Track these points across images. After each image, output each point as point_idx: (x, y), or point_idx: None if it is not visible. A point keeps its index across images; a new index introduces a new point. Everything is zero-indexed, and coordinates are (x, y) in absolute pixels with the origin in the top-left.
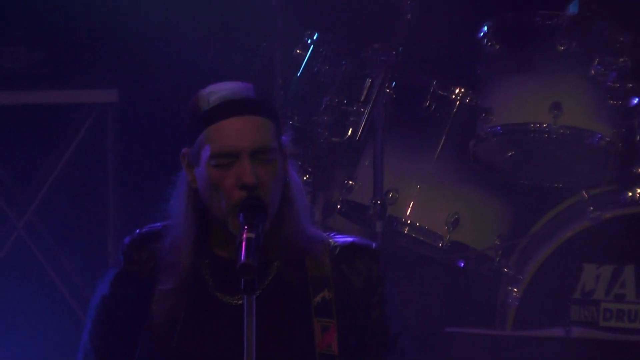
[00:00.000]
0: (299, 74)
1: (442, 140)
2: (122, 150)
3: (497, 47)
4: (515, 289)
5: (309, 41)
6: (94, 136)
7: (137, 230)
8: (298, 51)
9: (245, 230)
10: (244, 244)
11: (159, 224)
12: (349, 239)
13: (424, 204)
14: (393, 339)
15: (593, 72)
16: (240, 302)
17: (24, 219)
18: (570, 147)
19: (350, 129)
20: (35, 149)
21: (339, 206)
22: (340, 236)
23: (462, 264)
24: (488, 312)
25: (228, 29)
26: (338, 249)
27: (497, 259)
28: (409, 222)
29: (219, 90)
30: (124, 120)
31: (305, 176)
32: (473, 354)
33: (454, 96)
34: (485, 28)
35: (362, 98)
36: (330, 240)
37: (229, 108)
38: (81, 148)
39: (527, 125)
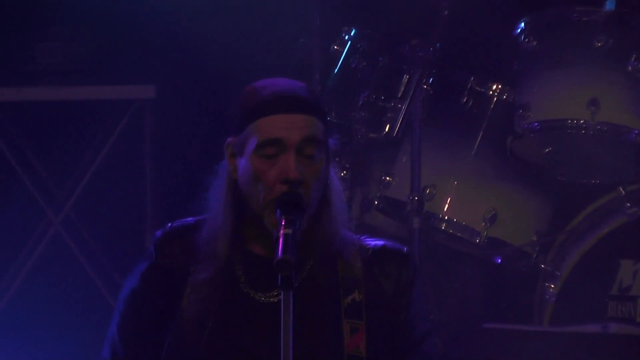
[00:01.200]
0: (336, 70)
1: (480, 137)
2: (160, 147)
3: (535, 43)
4: (553, 285)
5: (347, 37)
6: (131, 132)
7: (169, 224)
8: (335, 47)
9: (283, 226)
10: (281, 239)
11: (191, 219)
12: (381, 243)
13: (461, 200)
14: (418, 341)
15: (630, 68)
16: (271, 299)
17: (61, 215)
18: (608, 143)
19: (388, 125)
20: (73, 145)
21: (376, 202)
22: (372, 239)
23: (500, 260)
24: (525, 308)
25: (265, 26)
26: (370, 252)
27: (535, 255)
28: (446, 218)
29: (272, 85)
30: (161, 117)
31: (343, 172)
32: (510, 350)
33: (491, 92)
34: (523, 24)
35: (400, 94)
36: (362, 242)
37: (281, 103)
38: (118, 144)
39: (565, 122)
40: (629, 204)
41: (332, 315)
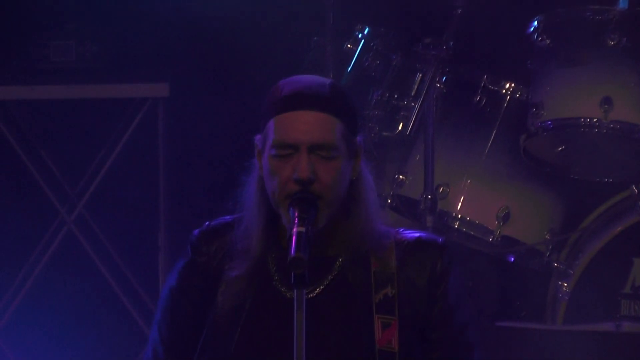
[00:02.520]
0: (349, 69)
1: (493, 135)
2: (173, 145)
3: (548, 42)
4: (566, 284)
5: (360, 36)
6: (144, 131)
7: (207, 223)
8: (349, 46)
9: (296, 224)
10: (294, 237)
11: (229, 217)
12: (416, 235)
13: (474, 198)
14: (457, 333)
15: None
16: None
17: (74, 214)
18: (621, 142)
19: (401, 124)
20: (86, 143)
21: (389, 201)
22: (409, 231)
23: (513, 259)
24: (538, 307)
25: (279, 24)
26: (404, 245)
27: (548, 254)
28: (459, 216)
29: (294, 82)
30: (174, 115)
31: None
32: (523, 348)
33: (504, 91)
34: (536, 23)
35: (413, 93)
36: (398, 236)
37: (297, 101)
38: (132, 142)
39: (578, 120)
40: None
41: (362, 311)
